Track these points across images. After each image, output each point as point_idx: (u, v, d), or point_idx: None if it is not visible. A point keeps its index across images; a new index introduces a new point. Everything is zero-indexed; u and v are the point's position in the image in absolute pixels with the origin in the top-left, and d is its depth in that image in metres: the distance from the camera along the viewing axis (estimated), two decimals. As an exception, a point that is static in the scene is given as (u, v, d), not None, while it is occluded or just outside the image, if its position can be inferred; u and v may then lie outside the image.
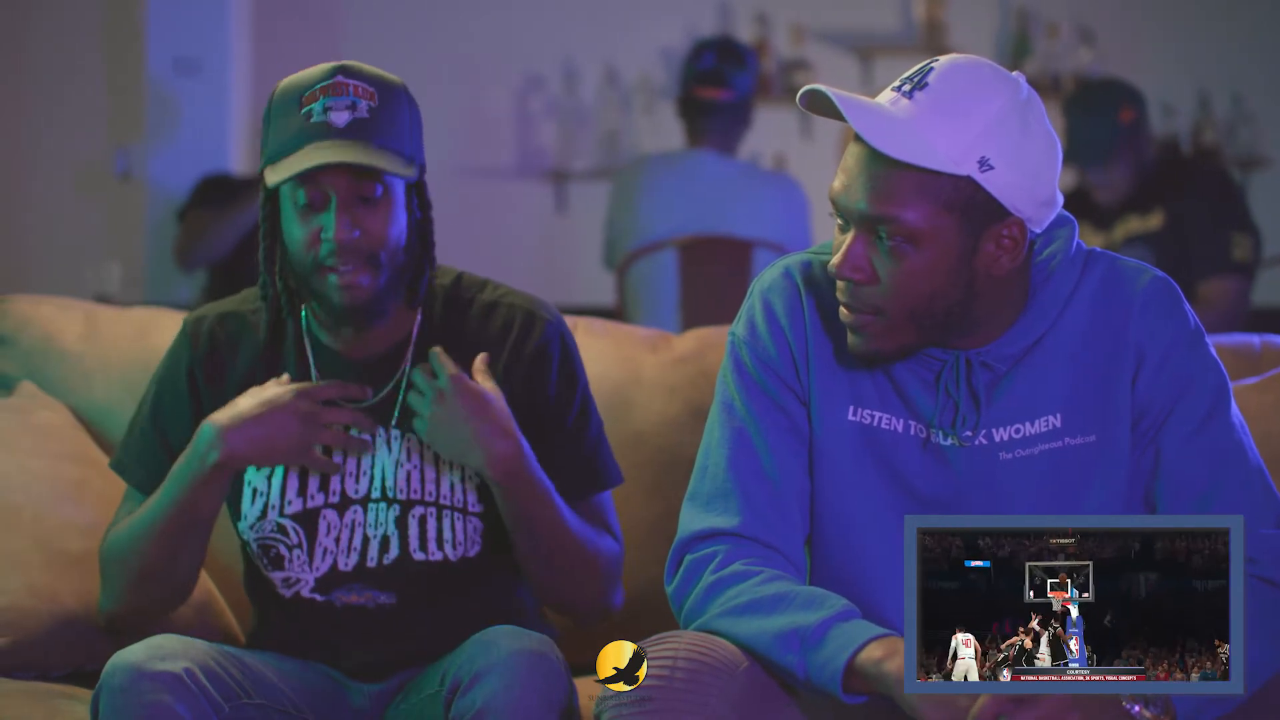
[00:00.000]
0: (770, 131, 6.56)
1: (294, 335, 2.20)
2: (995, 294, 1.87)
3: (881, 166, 1.81)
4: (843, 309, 1.88)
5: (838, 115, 1.82)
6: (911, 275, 1.83)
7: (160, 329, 2.58)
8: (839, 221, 1.87)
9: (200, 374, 2.19)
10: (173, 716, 1.90)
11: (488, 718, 1.89)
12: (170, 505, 2.11)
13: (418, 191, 2.16)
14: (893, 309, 1.84)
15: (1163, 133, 6.17)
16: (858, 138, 1.83)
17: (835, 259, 1.85)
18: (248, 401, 2.10)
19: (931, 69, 1.84)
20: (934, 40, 6.45)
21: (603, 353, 2.58)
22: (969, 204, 1.82)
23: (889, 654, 1.73)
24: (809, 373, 1.94)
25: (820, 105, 1.84)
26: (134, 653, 1.94)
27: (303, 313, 2.20)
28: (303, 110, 2.07)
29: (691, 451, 2.03)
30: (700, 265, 4.69)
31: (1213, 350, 1.93)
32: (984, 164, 1.80)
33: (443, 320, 2.20)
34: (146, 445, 2.21)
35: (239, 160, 5.88)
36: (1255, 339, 2.57)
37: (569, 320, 2.38)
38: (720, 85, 4.71)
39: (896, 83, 1.85)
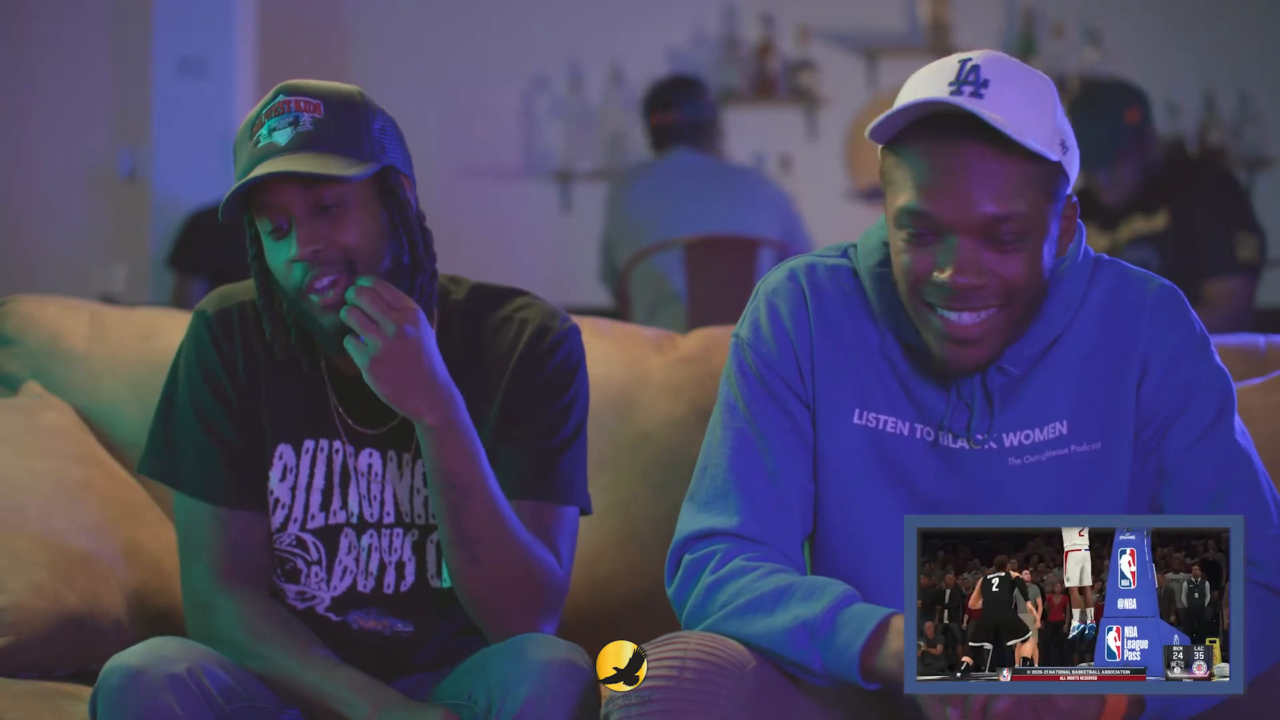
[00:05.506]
0: (776, 132, 6.57)
1: (309, 362, 2.12)
2: None
3: (1000, 165, 1.78)
4: (945, 320, 1.83)
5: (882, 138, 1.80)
6: (1031, 264, 1.82)
7: (166, 329, 2.58)
8: (911, 231, 1.82)
9: (241, 366, 2.12)
10: (171, 718, 1.88)
11: None
12: (298, 696, 2.02)
13: (393, 192, 2.05)
14: (1021, 299, 1.83)
15: (1168, 133, 6.17)
16: (937, 144, 1.78)
17: (949, 271, 1.80)
18: None
19: (977, 66, 1.80)
20: (939, 40, 6.44)
21: (608, 353, 2.57)
22: (1056, 188, 1.83)
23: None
24: (813, 376, 1.93)
25: (883, 132, 1.81)
26: (133, 654, 1.92)
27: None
28: (253, 138, 2.02)
29: (697, 452, 2.02)
30: (706, 265, 4.71)
31: (1218, 358, 1.92)
32: (1064, 146, 1.83)
33: (459, 339, 2.13)
34: (199, 451, 2.11)
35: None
36: (1260, 339, 2.56)
37: (574, 320, 2.34)
38: (670, 109, 5.07)
39: (947, 90, 1.78)
